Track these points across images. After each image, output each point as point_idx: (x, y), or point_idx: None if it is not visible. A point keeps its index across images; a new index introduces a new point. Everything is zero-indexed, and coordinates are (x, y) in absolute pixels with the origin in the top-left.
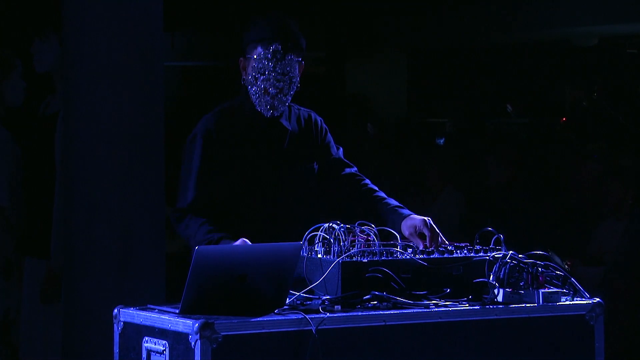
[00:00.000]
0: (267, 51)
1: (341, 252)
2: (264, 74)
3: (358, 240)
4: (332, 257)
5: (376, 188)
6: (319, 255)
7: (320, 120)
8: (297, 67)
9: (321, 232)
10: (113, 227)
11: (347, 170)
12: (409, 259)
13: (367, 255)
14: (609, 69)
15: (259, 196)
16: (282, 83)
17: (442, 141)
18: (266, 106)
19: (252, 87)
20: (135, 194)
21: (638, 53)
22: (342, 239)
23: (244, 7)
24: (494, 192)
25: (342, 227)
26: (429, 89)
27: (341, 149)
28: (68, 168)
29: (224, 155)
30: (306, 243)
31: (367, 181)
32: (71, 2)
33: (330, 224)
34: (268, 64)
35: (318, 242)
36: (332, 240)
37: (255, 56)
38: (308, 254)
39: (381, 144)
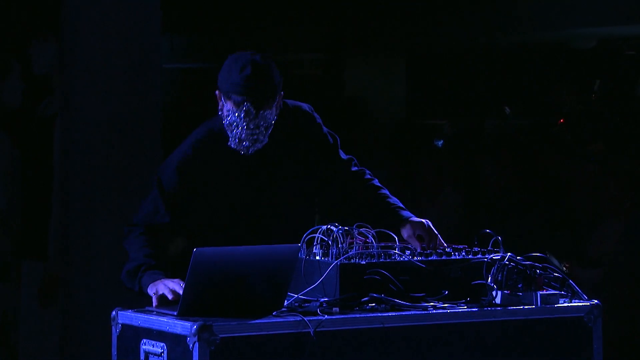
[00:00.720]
0: (239, 110)
1: (339, 254)
2: (237, 127)
3: (356, 243)
4: (330, 259)
5: (379, 185)
6: (317, 258)
7: (311, 112)
8: (273, 112)
9: (319, 234)
10: (111, 229)
11: (349, 165)
12: (407, 261)
13: (365, 258)
14: (607, 71)
15: (246, 218)
16: (256, 135)
17: (440, 143)
18: (242, 150)
19: (228, 131)
20: (133, 195)
21: (636, 55)
22: (340, 241)
23: (243, 9)
24: (492, 194)
25: (340, 229)
26: (427, 91)
27: (338, 139)
28: (66, 170)
29: (203, 182)
30: (304, 245)
31: (368, 175)
32: (70, 4)
33: (328, 226)
34: (241, 121)
35: (316, 244)
36: (330, 243)
37: (228, 108)
38: (306, 256)
39: (380, 145)
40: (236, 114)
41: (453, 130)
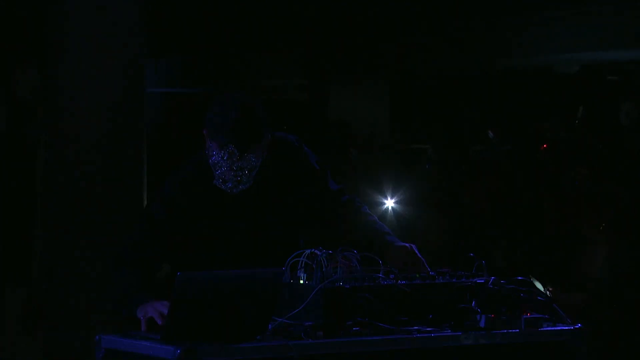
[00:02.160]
0: (223, 152)
1: (323, 278)
2: (221, 168)
3: (340, 266)
4: (314, 283)
5: (368, 212)
6: (301, 281)
7: (298, 144)
8: (258, 155)
9: (303, 258)
10: (95, 254)
11: (339, 195)
12: (391, 284)
13: (350, 281)
14: (589, 96)
15: (232, 250)
16: (239, 177)
17: (427, 166)
18: (226, 189)
19: (213, 170)
20: (117, 218)
21: (619, 80)
22: (324, 264)
23: (228, 35)
24: (476, 218)
25: (324, 252)
26: (411, 115)
27: (328, 169)
28: (50, 195)
29: (190, 215)
30: (288, 269)
31: (358, 203)
32: (55, 29)
33: (313, 250)
34: (225, 163)
35: (300, 268)
36: (314, 266)
37: (212, 148)
38: (290, 280)
39: (364, 169)
40: (220, 155)
41: (437, 155)
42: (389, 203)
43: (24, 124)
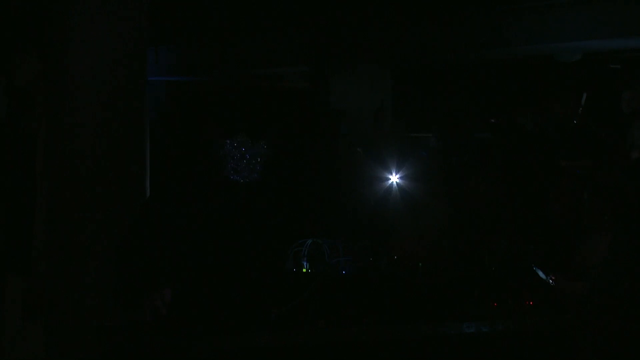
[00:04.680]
0: (232, 140)
1: (326, 265)
2: (234, 157)
3: (342, 255)
4: (317, 270)
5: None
6: (304, 270)
7: None
8: (270, 142)
9: (306, 246)
10: (95, 243)
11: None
12: (392, 273)
13: (351, 269)
14: (592, 84)
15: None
16: (253, 166)
17: (424, 154)
18: (239, 179)
19: (225, 162)
20: (118, 207)
21: (621, 68)
22: (327, 253)
23: (229, 23)
24: (478, 206)
25: (326, 241)
26: (413, 103)
27: None
28: (50, 183)
29: (190, 211)
30: (292, 257)
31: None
32: (56, 17)
33: (315, 239)
34: (236, 152)
35: (304, 256)
36: (317, 255)
37: (225, 139)
38: (294, 269)
39: (366, 157)
40: (232, 144)
41: (438, 143)
42: (394, 181)
43: (23, 114)
